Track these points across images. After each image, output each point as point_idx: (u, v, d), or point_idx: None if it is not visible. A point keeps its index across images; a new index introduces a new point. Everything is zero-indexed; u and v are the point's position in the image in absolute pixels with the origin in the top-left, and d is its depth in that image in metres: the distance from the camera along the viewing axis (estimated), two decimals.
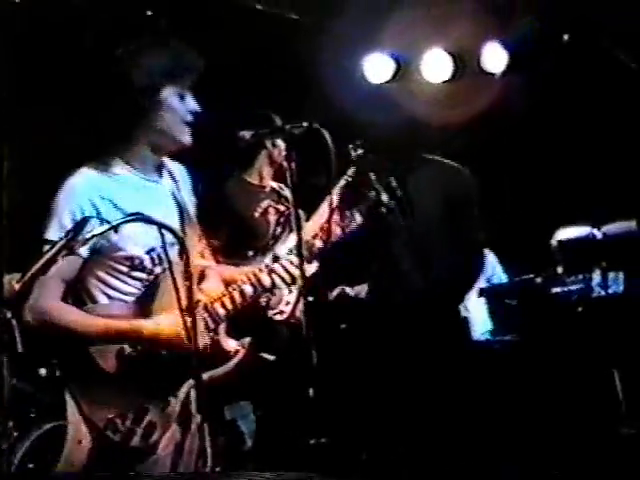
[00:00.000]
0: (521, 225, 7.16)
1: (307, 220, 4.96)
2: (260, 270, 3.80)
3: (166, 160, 3.80)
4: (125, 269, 3.59)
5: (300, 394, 4.05)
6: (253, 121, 4.83)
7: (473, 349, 6.29)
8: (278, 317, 5.29)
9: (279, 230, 5.40)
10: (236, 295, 3.69)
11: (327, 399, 3.90)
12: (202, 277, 3.71)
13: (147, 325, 3.54)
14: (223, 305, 3.67)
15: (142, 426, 3.48)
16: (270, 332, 5.28)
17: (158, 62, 3.63)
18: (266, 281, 3.79)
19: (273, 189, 5.48)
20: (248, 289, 3.75)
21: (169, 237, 3.41)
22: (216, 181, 5.45)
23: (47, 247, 3.32)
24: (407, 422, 5.39)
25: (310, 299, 3.76)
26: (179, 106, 3.68)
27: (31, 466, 3.94)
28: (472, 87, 7.06)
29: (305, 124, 3.93)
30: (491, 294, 6.79)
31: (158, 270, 3.62)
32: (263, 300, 4.85)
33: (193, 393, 3.57)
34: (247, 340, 3.70)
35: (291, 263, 3.83)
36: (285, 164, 5.20)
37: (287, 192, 5.47)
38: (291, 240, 5.00)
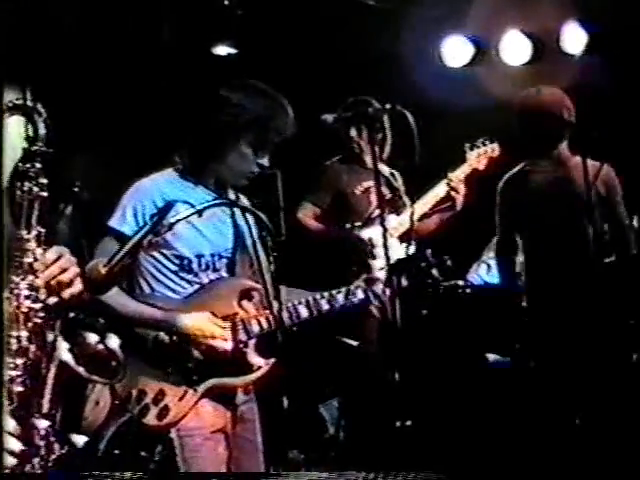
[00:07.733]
0: None
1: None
2: (322, 297, 3.82)
3: (241, 196, 3.86)
4: (174, 267, 3.70)
5: (384, 378, 4.05)
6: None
7: None
8: None
9: (378, 211, 5.41)
10: (284, 315, 3.70)
11: (411, 383, 3.90)
12: (247, 295, 3.77)
13: (181, 319, 3.62)
14: (259, 323, 3.72)
15: (159, 407, 3.58)
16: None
17: (265, 116, 3.67)
18: (325, 307, 3.82)
19: (379, 172, 5.52)
20: (304, 312, 3.79)
21: (220, 249, 3.70)
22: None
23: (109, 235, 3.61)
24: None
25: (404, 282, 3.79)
26: (252, 158, 3.71)
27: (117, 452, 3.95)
28: (552, 69, 6.95)
29: (388, 106, 3.94)
30: None
31: (204, 276, 3.74)
32: None
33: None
34: (271, 361, 3.75)
35: None
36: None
37: (397, 179, 5.77)
38: (390, 221, 5.25)
